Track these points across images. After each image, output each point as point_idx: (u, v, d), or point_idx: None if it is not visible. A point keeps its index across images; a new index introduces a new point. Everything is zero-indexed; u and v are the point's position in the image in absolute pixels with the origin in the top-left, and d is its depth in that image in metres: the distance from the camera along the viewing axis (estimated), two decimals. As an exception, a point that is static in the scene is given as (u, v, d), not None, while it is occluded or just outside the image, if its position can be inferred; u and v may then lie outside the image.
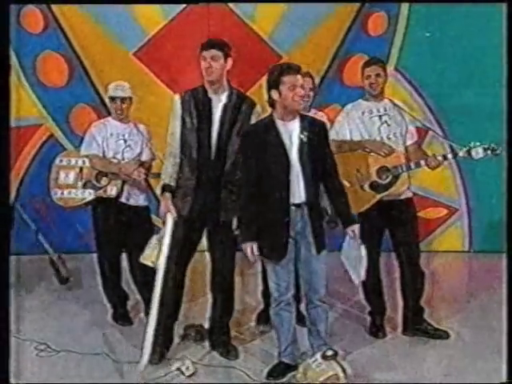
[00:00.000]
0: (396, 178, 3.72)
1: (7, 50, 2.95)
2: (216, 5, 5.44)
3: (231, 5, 5.48)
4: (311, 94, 3.98)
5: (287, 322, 3.32)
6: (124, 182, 4.00)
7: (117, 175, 3.98)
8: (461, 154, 3.67)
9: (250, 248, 3.15)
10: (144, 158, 4.10)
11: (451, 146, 4.01)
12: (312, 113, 3.89)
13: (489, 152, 3.59)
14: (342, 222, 3.30)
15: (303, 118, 3.22)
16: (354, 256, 3.27)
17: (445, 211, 5.91)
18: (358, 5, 5.59)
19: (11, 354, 2.90)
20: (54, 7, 5.41)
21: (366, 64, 3.86)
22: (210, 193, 3.43)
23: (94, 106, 5.34)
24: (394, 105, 3.86)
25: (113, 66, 5.36)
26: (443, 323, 3.99)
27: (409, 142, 3.84)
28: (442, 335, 3.82)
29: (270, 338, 3.83)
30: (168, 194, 3.45)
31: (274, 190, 3.14)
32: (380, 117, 3.81)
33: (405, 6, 5.58)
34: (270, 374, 3.36)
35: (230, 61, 3.41)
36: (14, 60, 5.44)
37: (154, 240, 3.49)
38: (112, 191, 3.96)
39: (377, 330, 3.89)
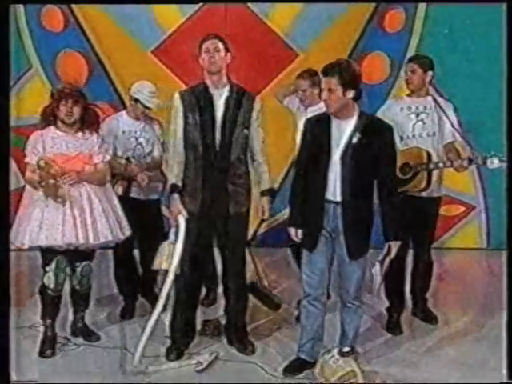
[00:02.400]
0: (415, 174, 3.72)
1: (7, 50, 2.89)
2: (233, 4, 5.44)
3: (249, 4, 5.48)
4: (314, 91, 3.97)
5: (312, 318, 3.31)
6: (131, 181, 4.04)
7: (123, 175, 4.02)
8: (479, 161, 3.67)
9: (294, 232, 3.27)
10: (155, 154, 4.13)
11: (472, 152, 4.02)
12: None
13: (504, 164, 3.57)
14: (385, 235, 3.16)
15: (362, 118, 3.13)
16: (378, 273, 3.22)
17: (462, 208, 5.87)
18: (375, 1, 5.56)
19: (11, 353, 2.89)
20: (75, 6, 5.45)
21: (408, 60, 3.95)
22: (218, 187, 3.43)
23: (113, 103, 5.36)
24: (436, 102, 3.84)
25: (131, 65, 5.37)
26: (460, 319, 4.00)
27: (445, 142, 3.83)
28: (432, 321, 3.99)
29: (287, 333, 3.86)
30: (176, 195, 3.43)
31: (314, 184, 3.17)
32: (418, 114, 3.82)
33: (422, 4, 5.53)
34: (286, 370, 3.37)
35: (229, 55, 3.43)
36: (34, 59, 5.52)
37: (165, 245, 3.47)
38: (118, 190, 3.99)
39: (394, 326, 3.88)
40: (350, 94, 3.06)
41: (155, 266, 3.48)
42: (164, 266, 3.43)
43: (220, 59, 3.38)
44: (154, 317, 3.37)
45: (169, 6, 5.46)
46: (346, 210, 3.12)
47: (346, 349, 3.17)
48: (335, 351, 3.19)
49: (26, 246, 3.53)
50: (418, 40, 5.57)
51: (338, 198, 3.12)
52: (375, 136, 3.10)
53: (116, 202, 3.67)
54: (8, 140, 3.09)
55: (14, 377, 3.03)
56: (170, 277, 3.36)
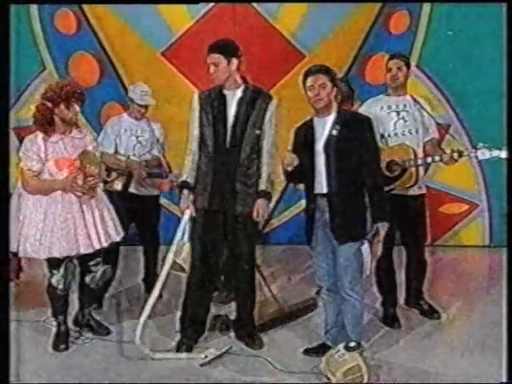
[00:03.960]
0: (403, 171, 3.71)
1: (7, 50, 2.78)
2: (241, 5, 5.46)
3: (256, 5, 5.49)
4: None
5: (329, 307, 3.37)
6: (131, 177, 4.16)
7: (122, 171, 4.15)
8: (469, 153, 3.64)
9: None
10: (154, 153, 4.20)
11: (471, 145, 4.01)
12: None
13: (494, 154, 3.57)
14: (372, 217, 3.21)
15: (340, 113, 3.25)
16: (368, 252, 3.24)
17: (466, 207, 5.87)
18: (380, 4, 5.55)
19: (11, 352, 2.82)
20: (87, 9, 5.48)
21: (390, 57, 3.89)
22: (227, 185, 3.44)
23: (124, 104, 5.38)
24: (415, 101, 3.84)
25: (141, 66, 5.41)
26: (462, 315, 4.01)
27: (426, 139, 3.83)
28: (434, 315, 3.97)
29: (295, 328, 3.88)
30: (186, 191, 3.46)
31: (305, 179, 3.29)
32: (398, 112, 3.81)
33: (427, 5, 5.53)
34: (307, 351, 3.48)
35: (234, 60, 3.37)
36: (48, 60, 5.57)
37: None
38: (118, 186, 4.13)
39: (392, 320, 3.89)
40: (334, 91, 3.21)
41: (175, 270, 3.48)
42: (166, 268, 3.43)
43: (221, 71, 3.35)
44: (151, 301, 3.41)
45: (178, 8, 5.47)
46: (331, 201, 3.19)
47: (352, 344, 3.16)
48: (341, 346, 3.19)
49: (34, 256, 3.43)
50: (422, 41, 5.58)
51: (325, 190, 3.20)
52: (354, 127, 3.21)
53: (108, 201, 3.62)
54: (8, 141, 2.98)
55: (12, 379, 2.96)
56: (166, 267, 3.40)
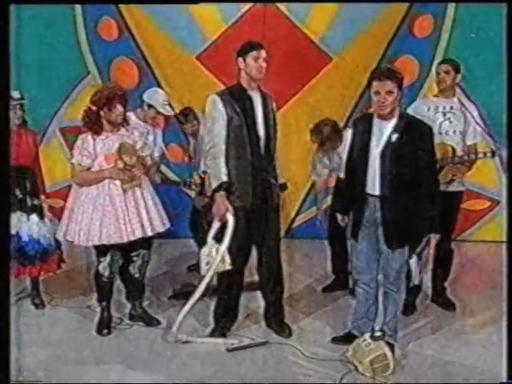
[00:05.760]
0: (441, 168, 3.72)
1: (7, 50, 2.73)
2: (271, 9, 5.44)
3: (284, 10, 5.48)
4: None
5: (362, 299, 3.38)
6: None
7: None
8: (502, 152, 3.69)
9: (341, 218, 3.48)
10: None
11: (495, 145, 4.00)
12: None
13: (488, 154, 3.71)
14: (423, 227, 3.16)
15: (402, 118, 3.15)
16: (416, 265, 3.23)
17: (488, 203, 5.80)
18: (405, 8, 5.50)
19: (11, 352, 2.83)
20: (126, 15, 5.53)
21: (440, 62, 3.96)
22: (265, 181, 3.47)
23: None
24: (462, 104, 3.87)
25: (177, 70, 5.44)
26: (482, 309, 4.00)
27: (469, 142, 3.86)
28: (450, 307, 4.02)
29: (321, 318, 3.89)
30: (223, 192, 3.38)
31: (356, 178, 3.23)
32: (444, 113, 3.83)
33: (450, 9, 5.47)
34: (334, 339, 3.50)
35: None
36: (92, 65, 5.65)
37: (207, 248, 3.44)
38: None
39: (407, 308, 3.89)
40: (399, 96, 3.10)
41: (203, 271, 3.45)
42: (213, 268, 3.41)
43: (265, 68, 3.42)
44: (195, 297, 3.46)
45: (211, 14, 5.49)
46: (384, 204, 3.14)
47: (378, 333, 3.18)
48: (367, 335, 3.20)
49: (84, 244, 3.54)
50: (445, 44, 5.52)
51: (377, 192, 3.14)
52: (414, 135, 3.11)
53: (154, 192, 3.71)
54: (8, 141, 3.00)
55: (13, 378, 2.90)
56: (211, 271, 3.40)
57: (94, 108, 3.53)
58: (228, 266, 3.41)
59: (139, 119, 4.16)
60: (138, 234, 3.52)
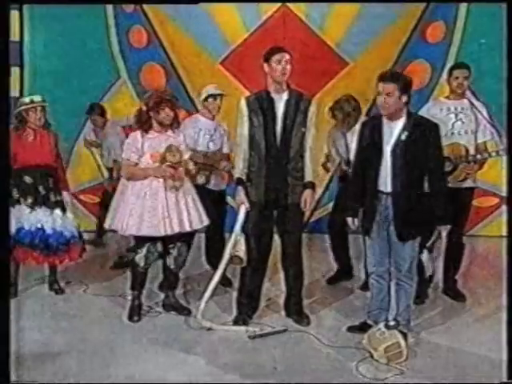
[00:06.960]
0: (455, 167, 3.81)
1: (7, 50, 2.71)
2: (289, 15, 5.50)
3: (303, 17, 5.54)
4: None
5: (376, 291, 3.44)
6: (211, 171, 4.20)
7: (205, 165, 4.15)
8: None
9: (351, 220, 3.44)
10: (225, 151, 4.31)
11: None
12: None
13: (501, 152, 3.80)
14: (433, 219, 3.22)
15: (410, 118, 3.21)
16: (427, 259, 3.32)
17: (496, 200, 5.83)
18: (418, 15, 5.55)
19: (11, 351, 2.80)
20: (155, 23, 5.62)
21: (456, 67, 4.02)
22: (279, 179, 3.54)
23: (188, 109, 5.50)
24: (472, 104, 3.93)
25: (202, 75, 5.52)
26: (489, 301, 4.04)
27: (480, 140, 3.93)
28: (460, 298, 4.06)
29: (338, 308, 3.97)
30: (240, 187, 3.58)
31: (368, 177, 3.28)
32: (456, 114, 3.90)
33: (462, 15, 5.52)
34: (350, 328, 3.55)
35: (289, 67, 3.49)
36: (123, 70, 5.79)
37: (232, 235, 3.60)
38: (201, 179, 4.14)
39: (423, 296, 3.95)
40: (404, 98, 3.15)
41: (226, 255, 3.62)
42: (227, 252, 3.61)
43: (289, 70, 3.50)
44: (215, 280, 3.61)
45: (234, 21, 5.57)
46: (395, 200, 3.20)
47: (392, 322, 3.22)
48: (381, 324, 3.26)
49: (126, 234, 3.72)
50: (456, 49, 5.57)
51: (389, 189, 3.21)
52: (423, 133, 3.18)
53: (194, 192, 3.82)
54: (8, 141, 3.01)
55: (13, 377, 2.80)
56: (227, 252, 3.58)
57: (144, 108, 3.71)
58: (242, 254, 3.55)
59: (205, 117, 4.23)
60: (176, 229, 3.65)
